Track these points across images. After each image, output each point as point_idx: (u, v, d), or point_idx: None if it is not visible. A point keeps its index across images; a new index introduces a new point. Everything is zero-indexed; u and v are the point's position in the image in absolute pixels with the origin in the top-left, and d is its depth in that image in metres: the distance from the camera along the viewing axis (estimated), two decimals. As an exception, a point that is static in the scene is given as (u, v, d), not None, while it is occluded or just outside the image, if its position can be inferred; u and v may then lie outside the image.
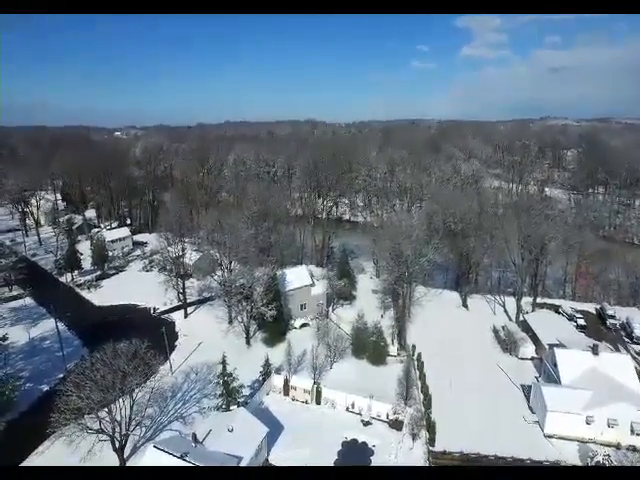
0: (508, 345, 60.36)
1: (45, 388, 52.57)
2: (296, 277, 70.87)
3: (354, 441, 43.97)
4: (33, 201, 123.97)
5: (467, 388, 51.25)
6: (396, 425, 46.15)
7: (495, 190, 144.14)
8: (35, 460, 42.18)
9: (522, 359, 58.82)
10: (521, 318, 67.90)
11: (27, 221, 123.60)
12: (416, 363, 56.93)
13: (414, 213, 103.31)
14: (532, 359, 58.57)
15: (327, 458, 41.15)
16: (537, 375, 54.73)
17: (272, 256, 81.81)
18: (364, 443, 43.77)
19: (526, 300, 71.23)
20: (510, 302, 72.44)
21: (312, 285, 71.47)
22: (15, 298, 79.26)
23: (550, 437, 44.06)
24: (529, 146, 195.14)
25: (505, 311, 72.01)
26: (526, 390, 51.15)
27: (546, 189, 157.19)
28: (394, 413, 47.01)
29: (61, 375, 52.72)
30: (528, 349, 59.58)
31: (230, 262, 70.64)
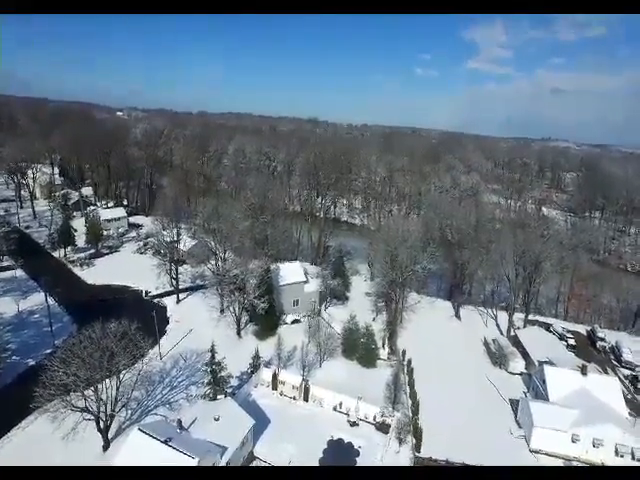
0: (498, 359, 60.56)
1: (31, 362, 51.55)
2: (290, 272, 70.43)
3: (340, 441, 43.71)
4: (30, 173, 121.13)
5: (455, 398, 51.14)
6: (383, 428, 46.00)
7: (493, 205, 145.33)
8: (19, 434, 41.37)
9: (511, 373, 59.00)
10: (512, 333, 68.25)
11: (22, 192, 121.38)
12: (405, 368, 56.89)
13: (411, 219, 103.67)
14: (521, 374, 58.73)
15: (312, 455, 40.80)
16: (525, 390, 54.91)
17: (267, 249, 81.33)
18: (350, 443, 43.52)
19: (518, 316, 71.64)
20: (502, 316, 72.80)
21: (306, 282, 71.11)
22: (6, 269, 77.77)
23: (535, 452, 44.22)
24: (529, 165, 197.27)
25: (497, 325, 72.36)
26: (514, 404, 51.26)
27: (544, 209, 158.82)
28: (381, 416, 46.87)
29: (49, 350, 51.74)
30: (518, 364, 59.86)
31: (225, 251, 70.11)
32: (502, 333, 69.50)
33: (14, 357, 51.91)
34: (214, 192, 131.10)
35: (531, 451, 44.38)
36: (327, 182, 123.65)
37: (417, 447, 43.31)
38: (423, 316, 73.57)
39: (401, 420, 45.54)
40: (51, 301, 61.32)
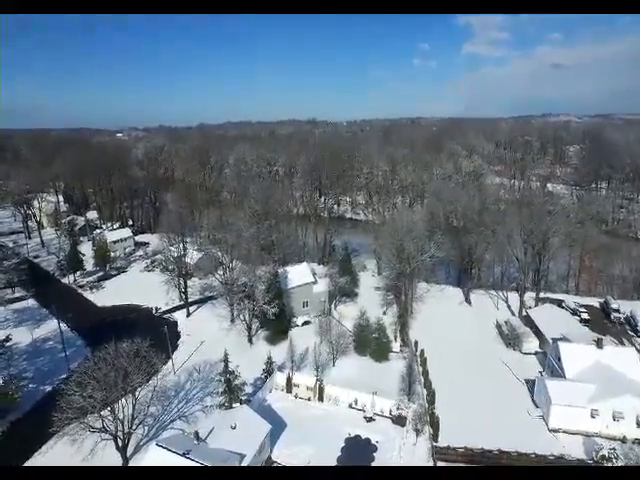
0: (511, 340, 60.06)
1: (48, 389, 52.57)
2: (298, 275, 70.74)
3: (357, 437, 43.80)
4: (35, 203, 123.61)
5: (470, 383, 50.95)
6: (399, 421, 45.98)
7: (497, 186, 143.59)
8: (39, 460, 42.21)
9: (526, 354, 58.47)
10: (524, 313, 67.55)
11: (29, 223, 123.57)
12: (419, 359, 56.72)
13: (416, 210, 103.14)
14: (536, 354, 58.24)
15: (330, 455, 40.95)
16: (541, 370, 54.42)
17: (274, 254, 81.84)
18: (367, 439, 43.58)
19: (529, 295, 70.89)
20: (513, 297, 72.14)
21: (314, 283, 71.32)
22: (18, 300, 79.41)
23: (555, 431, 43.76)
24: (531, 142, 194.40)
25: (508, 306, 71.70)
26: (530, 385, 50.84)
27: (548, 185, 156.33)
28: (397, 409, 46.83)
29: (64, 375, 52.71)
30: (532, 344, 59.23)
31: (231, 261, 70.67)
32: (514, 314, 68.88)
33: (31, 385, 52.99)
34: (217, 203, 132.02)
35: (550, 430, 43.93)
36: (329, 181, 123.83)
37: (434, 437, 43.15)
38: (433, 305, 73.29)
39: (417, 411, 45.40)
40: (64, 327, 62.43)
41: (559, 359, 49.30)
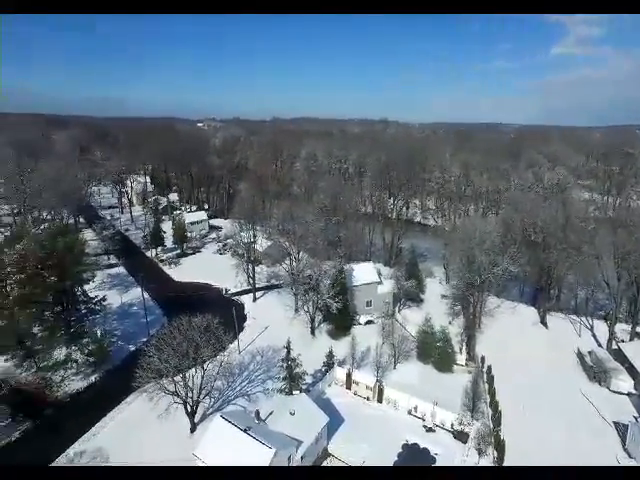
0: (597, 374, 53.78)
1: (132, 348, 58.10)
2: (363, 273, 70.21)
3: (415, 445, 42.49)
4: (128, 182, 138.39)
5: (543, 412, 46.95)
6: (461, 437, 43.83)
7: (585, 202, 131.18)
8: (124, 408, 47.32)
9: (615, 392, 51.79)
10: (614, 346, 60.56)
11: (123, 200, 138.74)
12: (485, 376, 53.64)
13: (489, 219, 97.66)
14: (629, 395, 51.21)
15: (387, 458, 40.15)
16: (637, 415, 47.47)
17: (340, 250, 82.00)
18: (426, 449, 42.09)
19: (621, 327, 63.58)
20: (600, 326, 65.26)
21: (379, 283, 70.38)
22: (112, 266, 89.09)
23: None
24: (633, 155, 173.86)
25: (593, 335, 64.95)
26: (621, 429, 44.67)
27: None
28: (459, 424, 44.68)
29: (145, 339, 57.42)
30: (624, 382, 52.01)
31: (298, 252, 71.91)
32: (600, 345, 61.99)
33: (119, 342, 59.41)
34: (287, 195, 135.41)
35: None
36: (399, 182, 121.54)
37: (499, 460, 40.48)
38: (504, 321, 68.86)
39: (481, 430, 42.93)
40: (146, 295, 68.28)
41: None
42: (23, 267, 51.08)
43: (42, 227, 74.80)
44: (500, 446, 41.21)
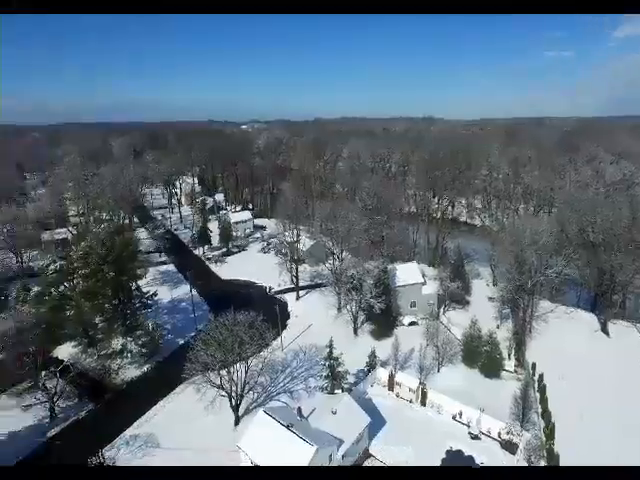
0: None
1: (181, 341, 61.17)
2: (407, 274, 69.03)
3: (460, 452, 41.21)
4: (177, 184, 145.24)
5: (604, 427, 43.46)
6: (509, 447, 41.83)
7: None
8: (174, 398, 49.89)
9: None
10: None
11: (172, 200, 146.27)
12: (536, 384, 50.87)
13: (541, 218, 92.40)
14: None
15: (429, 463, 39.16)
16: None
17: (383, 250, 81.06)
18: (471, 457, 40.68)
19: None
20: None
21: (423, 284, 68.87)
22: (163, 263, 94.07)
23: None
24: None
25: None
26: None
27: None
28: (507, 433, 42.64)
29: (192, 333, 59.93)
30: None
31: (342, 251, 72.04)
32: (672, 357, 56.92)
33: (169, 335, 62.69)
34: (330, 195, 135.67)
35: None
36: (444, 181, 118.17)
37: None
38: (557, 327, 64.88)
39: (532, 442, 40.58)
40: (194, 291, 71.38)
41: None
42: (87, 262, 56.08)
43: (102, 226, 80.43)
44: (553, 461, 38.93)
